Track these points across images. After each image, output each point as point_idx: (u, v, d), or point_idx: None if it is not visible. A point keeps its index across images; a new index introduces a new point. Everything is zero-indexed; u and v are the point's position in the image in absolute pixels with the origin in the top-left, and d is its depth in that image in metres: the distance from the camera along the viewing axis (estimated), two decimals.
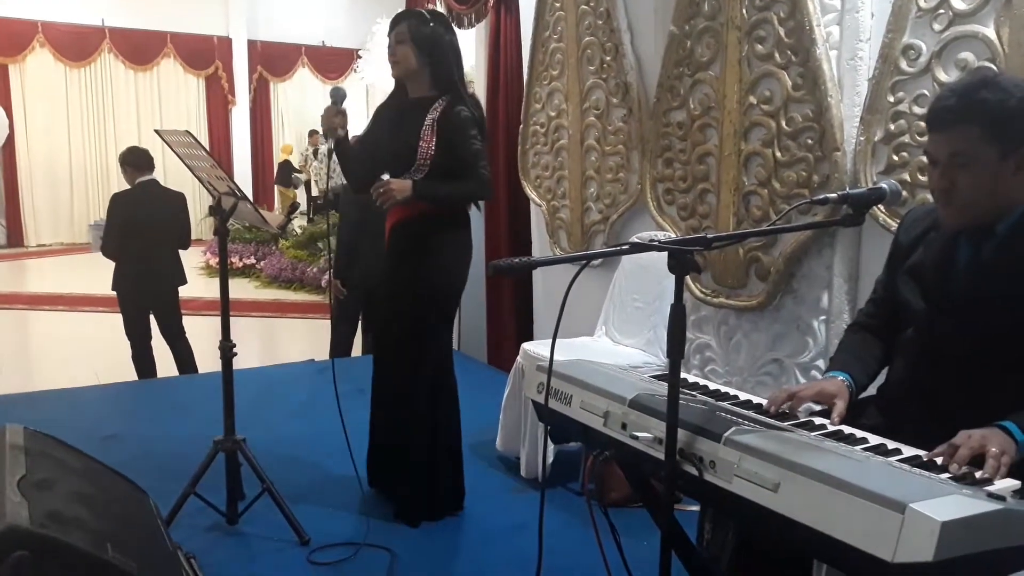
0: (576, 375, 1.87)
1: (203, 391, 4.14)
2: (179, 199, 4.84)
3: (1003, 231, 1.64)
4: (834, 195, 1.65)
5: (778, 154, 2.95)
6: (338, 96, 2.84)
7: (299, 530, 2.67)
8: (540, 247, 4.48)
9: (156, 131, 2.77)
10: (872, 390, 1.97)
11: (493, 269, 1.31)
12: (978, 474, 1.44)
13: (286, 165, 12.74)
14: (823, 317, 2.91)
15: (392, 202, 2.67)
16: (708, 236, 1.50)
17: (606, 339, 3.49)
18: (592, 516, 1.68)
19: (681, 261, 1.47)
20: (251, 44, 12.88)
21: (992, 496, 1.27)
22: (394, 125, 2.82)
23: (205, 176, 2.65)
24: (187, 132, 2.54)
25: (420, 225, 2.74)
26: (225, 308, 2.66)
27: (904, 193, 2.65)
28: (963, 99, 1.58)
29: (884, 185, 1.68)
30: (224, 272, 2.63)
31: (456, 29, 4.86)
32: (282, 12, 12.66)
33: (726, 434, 1.46)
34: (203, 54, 12.61)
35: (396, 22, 2.77)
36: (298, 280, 8.75)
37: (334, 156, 2.89)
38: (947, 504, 1.18)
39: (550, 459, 3.18)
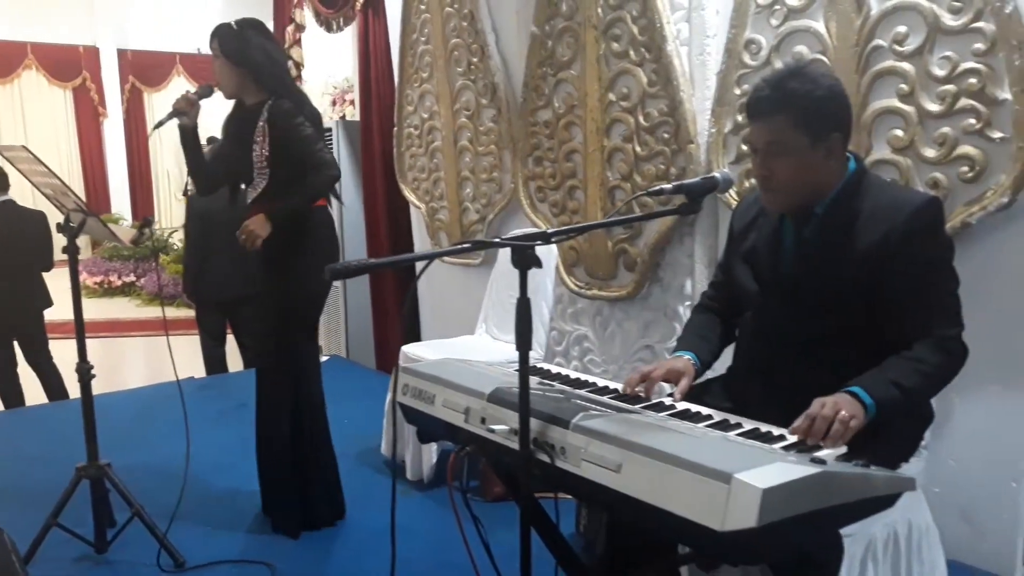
0: (438, 374, 1.88)
1: (74, 417, 3.94)
2: (38, 218, 4.58)
3: (821, 212, 1.75)
4: (669, 186, 1.72)
5: (638, 149, 3.05)
6: (201, 90, 2.78)
7: (173, 553, 2.58)
8: (421, 249, 4.48)
9: None
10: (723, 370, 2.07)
11: (329, 273, 1.30)
12: (821, 442, 1.52)
13: None
14: (688, 303, 3.03)
15: (260, 241, 2.62)
16: (548, 231, 1.54)
17: (486, 336, 3.52)
18: (456, 512, 1.69)
19: (522, 256, 1.50)
20: (121, 53, 12.29)
21: (815, 460, 1.36)
22: (238, 136, 2.79)
23: (51, 192, 2.53)
24: (24, 147, 2.41)
25: (278, 231, 2.68)
26: (80, 328, 2.54)
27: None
28: (775, 90, 1.67)
29: (716, 174, 1.76)
30: (76, 291, 2.51)
31: (326, 33, 4.85)
32: (152, 20, 12.13)
33: (574, 420, 1.51)
34: (69, 64, 11.96)
35: (209, 41, 2.73)
36: (181, 296, 8.44)
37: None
38: (769, 472, 1.24)
39: (434, 459, 3.19)
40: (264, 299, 2.79)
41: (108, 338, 7.73)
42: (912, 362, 1.65)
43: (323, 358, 5.31)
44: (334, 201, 2.91)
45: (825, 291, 1.73)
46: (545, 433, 1.55)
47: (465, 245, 1.50)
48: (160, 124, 2.69)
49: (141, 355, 7.48)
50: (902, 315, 1.68)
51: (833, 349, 1.75)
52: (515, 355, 3.22)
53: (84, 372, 2.55)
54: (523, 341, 1.53)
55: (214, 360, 5.01)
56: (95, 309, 8.83)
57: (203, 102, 2.76)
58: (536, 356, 3.24)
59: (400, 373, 1.97)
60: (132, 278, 9.59)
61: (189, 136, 2.79)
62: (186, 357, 6.41)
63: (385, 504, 3.10)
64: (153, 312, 8.70)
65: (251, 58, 2.70)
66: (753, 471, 1.23)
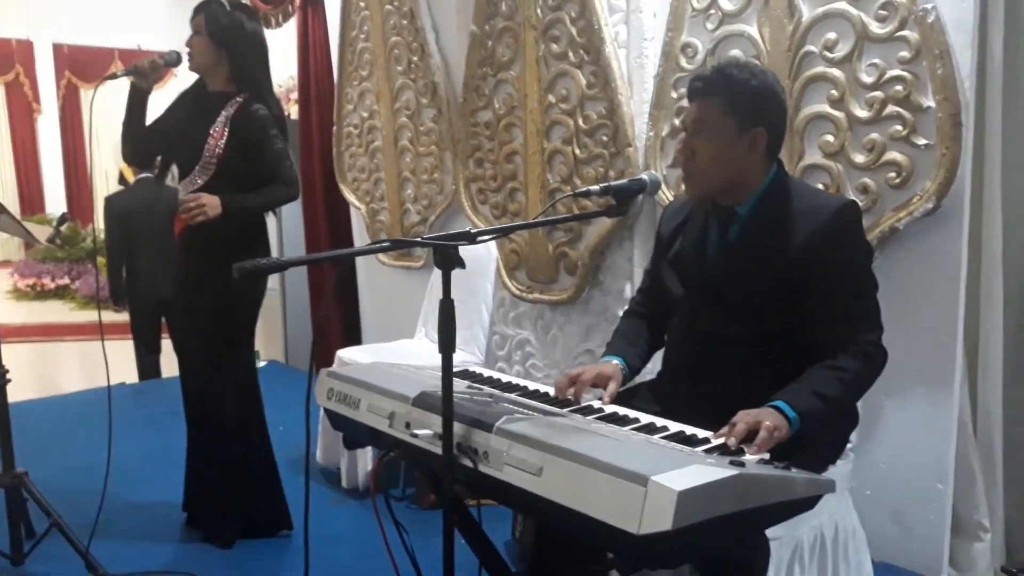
0: (364, 378, 1.84)
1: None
2: None
3: (744, 214, 1.76)
4: (596, 187, 1.70)
5: (577, 151, 3.04)
6: (169, 56, 2.66)
7: (93, 564, 2.47)
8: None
9: None
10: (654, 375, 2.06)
11: (237, 271, 1.25)
12: (745, 447, 1.52)
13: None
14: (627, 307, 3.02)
15: (203, 219, 2.52)
16: (472, 231, 1.51)
17: (426, 340, 3.47)
18: (379, 520, 1.66)
19: (445, 256, 1.47)
20: (57, 48, 11.89)
21: (734, 463, 1.35)
22: (189, 117, 2.67)
23: None
24: None
25: (210, 233, 2.58)
26: None
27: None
28: (715, 73, 1.73)
29: (644, 176, 1.76)
30: None
31: (266, 29, 4.75)
32: (90, 13, 11.75)
33: (497, 424, 1.48)
34: (0, 59, 11.57)
35: (195, 13, 2.61)
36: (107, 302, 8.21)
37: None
38: (686, 474, 1.23)
39: (369, 466, 3.13)
40: (195, 302, 2.69)
41: (41, 343, 7.48)
42: (833, 370, 1.66)
43: (261, 363, 5.21)
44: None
45: (750, 293, 1.74)
46: (469, 437, 1.52)
47: (384, 244, 1.47)
48: (114, 77, 2.58)
49: (75, 360, 7.25)
50: (823, 319, 1.69)
51: (760, 350, 1.75)
52: (457, 358, 3.20)
53: None
54: (446, 343, 1.51)
55: (147, 367, 4.89)
56: (28, 312, 8.55)
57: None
58: (476, 360, 3.21)
59: (325, 378, 1.92)
60: (66, 281, 9.29)
61: (137, 99, 2.65)
62: (121, 362, 6.28)
63: (320, 513, 3.04)
64: (88, 316, 8.43)
65: (236, 45, 2.60)
66: (670, 473, 1.22)
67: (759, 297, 1.72)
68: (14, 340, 6.87)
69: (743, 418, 1.56)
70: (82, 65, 12.00)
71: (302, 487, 3.19)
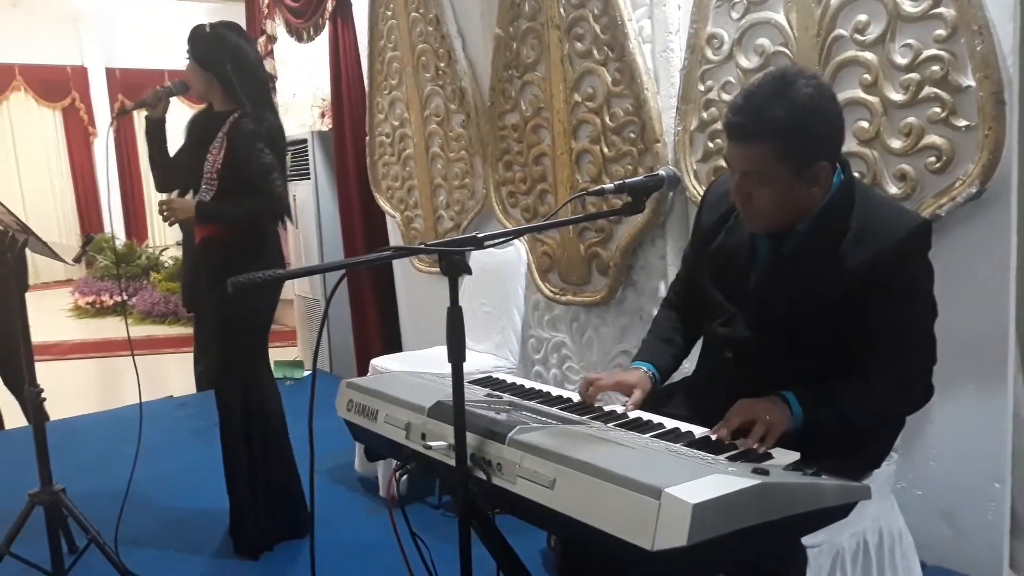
0: (381, 388, 1.81)
1: (54, 439, 3.89)
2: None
3: (803, 229, 1.63)
4: (611, 185, 1.64)
5: (605, 150, 2.98)
6: (175, 85, 2.76)
7: None
8: (399, 259, 4.41)
9: None
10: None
11: (231, 286, 1.23)
12: (757, 448, 1.45)
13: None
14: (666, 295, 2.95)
15: (174, 220, 2.64)
16: (479, 235, 1.47)
17: None
18: (395, 528, 1.63)
19: (451, 262, 1.43)
20: (110, 72, 12.26)
21: (757, 471, 1.28)
22: (197, 138, 2.74)
23: None
24: None
25: (222, 245, 2.64)
26: (28, 352, 2.48)
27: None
28: (756, 117, 1.52)
29: (661, 172, 1.69)
30: (24, 313, 2.44)
31: (298, 44, 4.80)
32: (139, 39, 12.08)
33: (510, 434, 1.43)
34: (57, 85, 11.93)
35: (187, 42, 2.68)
36: (172, 314, 8.41)
37: None
38: (703, 485, 1.17)
39: (406, 475, 3.10)
40: (211, 314, 2.73)
41: (101, 358, 7.69)
42: (864, 390, 1.58)
43: (305, 373, 5.24)
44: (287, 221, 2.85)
45: (799, 307, 1.62)
46: (483, 448, 1.47)
47: (386, 252, 1.43)
48: (125, 112, 2.78)
49: (130, 374, 7.44)
50: (873, 342, 1.57)
51: (803, 363, 1.64)
52: (489, 363, 3.16)
53: (34, 396, 2.49)
54: (455, 351, 1.47)
55: (203, 378, 4.95)
56: (89, 329, 8.79)
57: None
58: (510, 365, 3.17)
59: (345, 389, 1.90)
60: (124, 297, 9.54)
61: (154, 129, 2.77)
62: (178, 373, 6.42)
63: (354, 522, 3.03)
64: (145, 331, 8.64)
65: (217, 64, 2.64)
66: (685, 485, 1.15)
67: (808, 312, 1.61)
68: (76, 356, 7.07)
69: (739, 410, 1.52)
70: (135, 88, 12.31)
71: (339, 496, 3.22)
